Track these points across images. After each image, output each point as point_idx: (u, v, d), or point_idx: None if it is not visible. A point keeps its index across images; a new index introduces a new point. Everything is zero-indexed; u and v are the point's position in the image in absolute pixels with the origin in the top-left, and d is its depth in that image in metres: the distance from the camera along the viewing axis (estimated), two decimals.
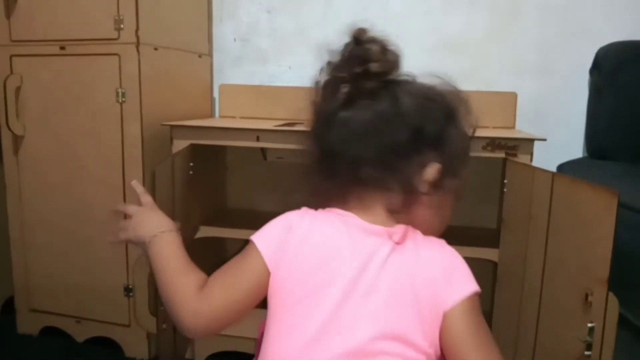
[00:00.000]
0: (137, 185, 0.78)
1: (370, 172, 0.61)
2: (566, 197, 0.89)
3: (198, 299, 0.61)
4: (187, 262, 0.66)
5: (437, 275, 0.58)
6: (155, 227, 0.69)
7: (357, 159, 0.61)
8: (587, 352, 0.77)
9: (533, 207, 1.01)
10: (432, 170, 0.61)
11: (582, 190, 0.84)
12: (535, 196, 1.00)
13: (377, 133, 0.61)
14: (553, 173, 0.93)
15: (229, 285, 0.62)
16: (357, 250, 0.59)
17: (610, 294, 0.76)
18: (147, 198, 0.76)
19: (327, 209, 0.65)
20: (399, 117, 0.61)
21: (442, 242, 0.63)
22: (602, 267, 0.76)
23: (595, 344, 0.77)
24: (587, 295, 0.79)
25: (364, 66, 0.62)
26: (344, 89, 0.63)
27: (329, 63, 0.66)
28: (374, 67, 0.62)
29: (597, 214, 0.78)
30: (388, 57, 0.64)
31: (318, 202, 0.66)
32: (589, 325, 0.77)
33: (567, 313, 0.85)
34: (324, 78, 0.66)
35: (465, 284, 0.59)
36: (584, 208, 0.82)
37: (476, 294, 0.58)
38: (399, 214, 0.62)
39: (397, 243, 0.59)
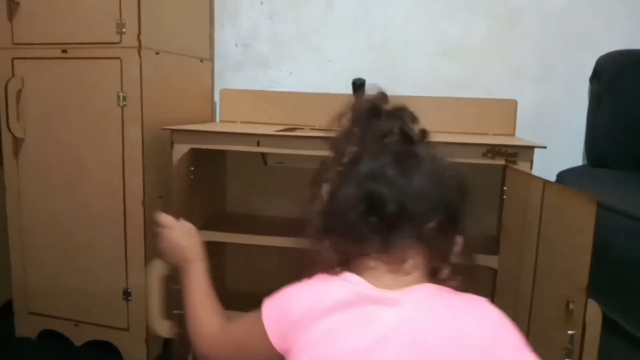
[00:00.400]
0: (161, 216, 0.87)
1: (429, 233, 0.59)
2: (554, 205, 0.90)
3: (211, 342, 0.71)
4: (213, 299, 0.75)
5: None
6: (190, 255, 0.79)
7: (421, 218, 0.59)
8: None
9: (527, 215, 1.01)
10: (460, 242, 0.63)
11: (567, 197, 0.85)
12: (529, 203, 1.01)
13: (439, 197, 0.61)
14: (544, 181, 0.94)
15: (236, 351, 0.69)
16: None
17: (592, 302, 0.76)
18: (164, 218, 0.86)
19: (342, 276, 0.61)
20: (449, 188, 0.62)
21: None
22: (582, 274, 0.76)
23: (575, 351, 0.77)
24: (568, 303, 0.79)
25: (406, 127, 0.63)
26: (391, 145, 0.62)
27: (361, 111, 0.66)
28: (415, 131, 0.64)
29: (578, 220, 0.78)
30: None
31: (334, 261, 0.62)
32: (569, 332, 0.77)
33: (552, 321, 0.85)
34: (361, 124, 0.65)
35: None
36: (569, 215, 0.83)
37: None
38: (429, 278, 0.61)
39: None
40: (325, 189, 0.65)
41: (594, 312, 0.76)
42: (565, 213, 0.84)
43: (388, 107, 0.66)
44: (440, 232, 0.59)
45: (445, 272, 0.62)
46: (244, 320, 0.67)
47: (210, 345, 0.71)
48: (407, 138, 0.63)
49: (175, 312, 1.03)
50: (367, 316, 0.57)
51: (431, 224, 0.59)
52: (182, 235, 0.82)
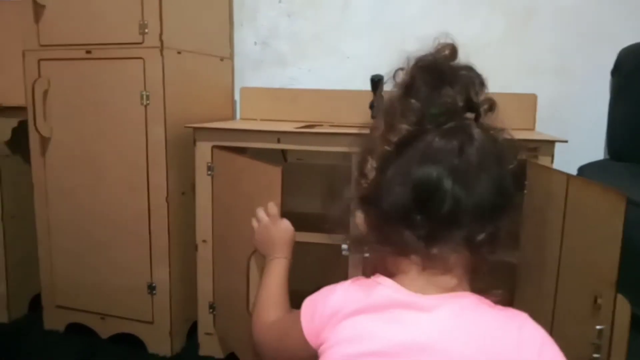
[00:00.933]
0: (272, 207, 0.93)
1: (480, 242, 0.53)
2: (579, 199, 0.89)
3: (263, 331, 0.75)
4: (282, 295, 0.78)
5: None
6: (275, 251, 0.84)
7: (475, 226, 0.53)
8: (595, 355, 0.77)
9: (550, 209, 1.01)
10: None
11: (593, 192, 0.84)
12: (551, 198, 1.00)
13: (500, 204, 0.55)
14: (568, 175, 0.93)
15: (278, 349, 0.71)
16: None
17: (620, 297, 0.75)
18: (274, 209, 0.92)
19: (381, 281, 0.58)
20: (509, 193, 0.56)
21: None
22: (611, 270, 0.76)
23: (603, 346, 0.77)
24: (596, 298, 0.79)
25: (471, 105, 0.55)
26: (455, 129, 0.53)
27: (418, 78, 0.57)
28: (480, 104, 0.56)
29: (606, 216, 0.78)
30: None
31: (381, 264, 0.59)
32: (598, 327, 0.77)
33: (578, 316, 0.85)
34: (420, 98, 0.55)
35: None
36: (595, 210, 0.82)
37: None
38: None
39: None
40: (369, 172, 0.58)
41: (623, 306, 0.76)
42: (591, 208, 0.84)
43: (454, 67, 0.57)
44: (491, 242, 0.53)
45: (486, 282, 0.56)
46: (287, 316, 0.70)
47: (262, 334, 0.75)
48: (472, 111, 0.55)
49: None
50: (398, 320, 0.54)
51: (484, 235, 0.53)
52: (278, 231, 0.86)
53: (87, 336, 1.49)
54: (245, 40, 1.73)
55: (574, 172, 1.37)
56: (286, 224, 0.90)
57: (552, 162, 1.16)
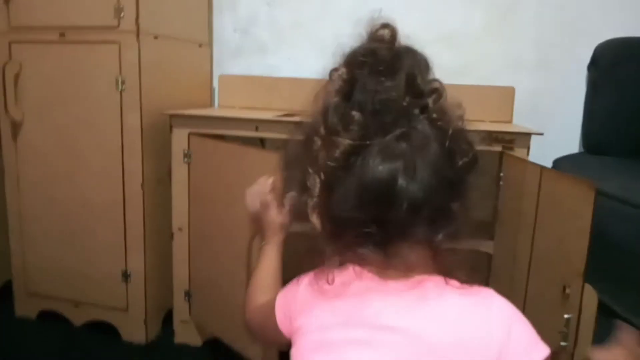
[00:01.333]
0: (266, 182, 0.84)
1: (440, 240, 0.53)
2: (552, 191, 0.91)
3: (251, 314, 0.75)
4: (272, 278, 0.77)
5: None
6: (272, 231, 0.80)
7: (432, 224, 0.52)
8: (562, 343, 0.79)
9: (524, 200, 1.02)
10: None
11: (565, 183, 0.86)
12: (525, 189, 1.02)
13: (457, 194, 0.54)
14: (541, 167, 0.95)
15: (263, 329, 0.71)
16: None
17: (588, 286, 0.77)
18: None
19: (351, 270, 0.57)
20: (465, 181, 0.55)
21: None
22: (579, 260, 0.78)
23: (571, 335, 0.78)
24: (564, 287, 0.80)
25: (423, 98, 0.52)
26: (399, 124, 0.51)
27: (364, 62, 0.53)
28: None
29: (576, 206, 0.80)
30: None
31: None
32: (565, 316, 0.79)
33: (548, 305, 0.87)
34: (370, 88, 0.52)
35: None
36: (566, 201, 0.84)
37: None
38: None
39: None
40: (313, 186, 0.55)
41: (590, 296, 0.78)
42: (563, 199, 0.85)
43: (395, 55, 0.53)
44: (449, 237, 0.53)
45: (450, 264, 0.55)
46: (267, 304, 0.69)
47: (249, 316, 0.76)
48: (419, 101, 0.52)
49: None
50: (367, 306, 0.54)
51: (441, 234, 0.52)
52: (274, 213, 0.81)
53: (60, 324, 1.47)
54: (224, 27, 1.70)
55: (549, 164, 1.39)
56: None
57: (528, 154, 1.18)
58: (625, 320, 0.98)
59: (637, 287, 0.99)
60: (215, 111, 1.53)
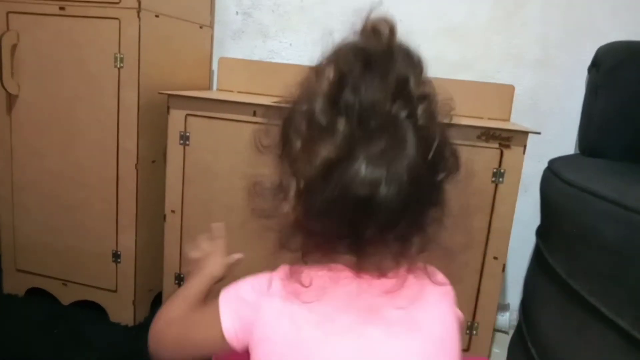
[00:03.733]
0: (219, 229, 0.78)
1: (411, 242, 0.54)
2: None
3: (165, 327, 0.64)
4: (196, 298, 0.68)
5: None
6: (207, 271, 0.72)
7: (404, 225, 0.52)
8: None
9: None
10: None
11: None
12: None
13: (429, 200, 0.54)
14: None
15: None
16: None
17: None
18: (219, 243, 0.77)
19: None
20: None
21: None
22: None
23: None
24: None
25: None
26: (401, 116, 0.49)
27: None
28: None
29: None
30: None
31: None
32: None
33: None
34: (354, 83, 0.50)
35: None
36: None
37: None
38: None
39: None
40: (289, 188, 0.52)
41: None
42: None
43: (388, 56, 0.50)
44: (427, 240, 0.54)
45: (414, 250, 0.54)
46: (197, 311, 0.63)
47: (163, 328, 0.64)
48: (408, 106, 0.50)
49: None
50: (347, 306, 0.53)
51: (415, 243, 0.53)
52: (216, 263, 0.75)
53: (48, 302, 1.46)
54: (227, 8, 1.68)
55: (545, 164, 1.39)
56: (228, 260, 0.76)
57: (524, 152, 1.18)
58: (612, 321, 0.99)
59: (624, 288, 0.99)
60: (214, 94, 1.52)
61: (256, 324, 0.54)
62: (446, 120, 0.54)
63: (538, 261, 1.22)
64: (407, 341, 0.52)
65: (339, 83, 0.50)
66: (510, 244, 1.23)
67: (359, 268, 0.53)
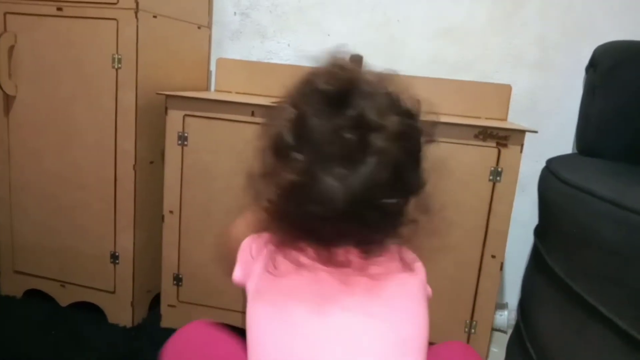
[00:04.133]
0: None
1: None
2: None
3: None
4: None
5: None
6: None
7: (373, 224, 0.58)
8: None
9: None
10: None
11: None
12: None
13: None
14: None
15: None
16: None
17: None
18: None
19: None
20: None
21: None
22: None
23: None
24: None
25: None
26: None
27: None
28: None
29: None
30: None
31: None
32: None
33: None
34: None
35: None
36: None
37: None
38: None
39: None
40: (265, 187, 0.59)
41: None
42: None
43: (357, 88, 0.56)
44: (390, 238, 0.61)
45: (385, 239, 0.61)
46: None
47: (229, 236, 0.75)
48: (367, 133, 0.54)
49: None
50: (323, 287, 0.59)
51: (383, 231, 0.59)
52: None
53: (46, 303, 1.46)
54: (225, 9, 1.68)
55: (543, 164, 1.39)
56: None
57: (521, 151, 1.18)
58: (611, 321, 0.99)
59: (623, 288, 0.99)
60: (212, 94, 1.52)
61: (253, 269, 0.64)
62: (423, 140, 0.58)
63: (536, 261, 1.22)
64: (367, 319, 0.58)
65: (299, 121, 0.56)
66: (508, 244, 1.23)
67: (322, 259, 0.59)
